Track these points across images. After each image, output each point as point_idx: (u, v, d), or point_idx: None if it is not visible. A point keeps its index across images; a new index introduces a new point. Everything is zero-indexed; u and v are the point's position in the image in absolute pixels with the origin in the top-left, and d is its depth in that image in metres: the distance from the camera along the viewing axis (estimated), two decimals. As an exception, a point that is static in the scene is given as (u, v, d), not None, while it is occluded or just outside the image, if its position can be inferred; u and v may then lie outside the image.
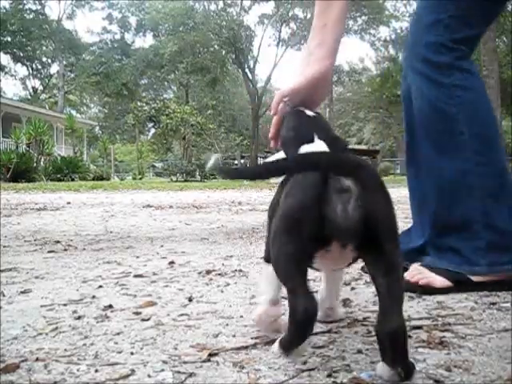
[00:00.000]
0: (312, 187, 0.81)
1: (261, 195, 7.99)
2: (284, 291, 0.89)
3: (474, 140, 1.43)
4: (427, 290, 1.38)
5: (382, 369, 0.82)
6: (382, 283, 0.81)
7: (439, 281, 1.40)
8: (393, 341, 0.79)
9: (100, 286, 1.61)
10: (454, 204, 1.45)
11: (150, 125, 27.35)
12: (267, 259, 1.00)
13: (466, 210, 1.44)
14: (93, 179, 17.38)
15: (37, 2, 36.69)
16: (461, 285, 1.39)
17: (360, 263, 0.95)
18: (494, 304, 1.30)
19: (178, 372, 0.90)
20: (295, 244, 0.82)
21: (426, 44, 1.46)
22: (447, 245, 1.47)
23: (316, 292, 1.05)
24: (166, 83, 40.32)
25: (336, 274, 1.12)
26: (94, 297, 1.47)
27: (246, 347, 1.02)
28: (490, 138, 1.46)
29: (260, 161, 36.08)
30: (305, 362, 0.93)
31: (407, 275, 1.41)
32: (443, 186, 1.47)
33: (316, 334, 1.09)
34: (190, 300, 1.42)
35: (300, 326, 0.83)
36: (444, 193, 1.47)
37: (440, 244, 1.49)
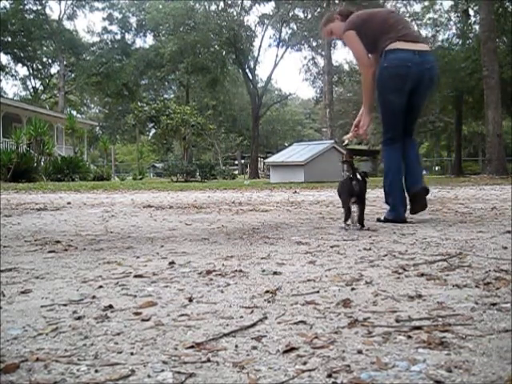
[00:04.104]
0: (346, 182, 3.20)
1: (261, 195, 7.99)
2: None
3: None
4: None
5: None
6: (358, 210, 3.17)
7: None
8: (359, 212, 3.17)
9: (100, 287, 1.61)
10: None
11: (151, 125, 27.26)
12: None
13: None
14: (93, 179, 17.38)
15: (37, 2, 36.70)
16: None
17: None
18: (494, 304, 1.30)
19: (178, 372, 0.90)
20: (346, 196, 3.17)
21: None
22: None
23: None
24: (166, 83, 40.33)
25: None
26: (94, 297, 1.47)
27: (247, 347, 1.02)
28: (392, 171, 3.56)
29: (260, 161, 36.10)
30: (305, 363, 0.93)
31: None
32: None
33: (316, 333, 1.09)
34: (190, 300, 1.42)
35: (346, 213, 3.18)
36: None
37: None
